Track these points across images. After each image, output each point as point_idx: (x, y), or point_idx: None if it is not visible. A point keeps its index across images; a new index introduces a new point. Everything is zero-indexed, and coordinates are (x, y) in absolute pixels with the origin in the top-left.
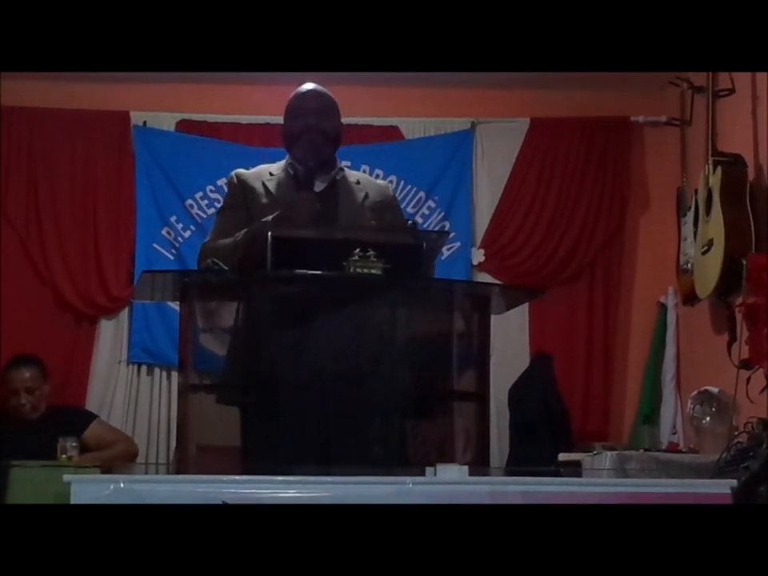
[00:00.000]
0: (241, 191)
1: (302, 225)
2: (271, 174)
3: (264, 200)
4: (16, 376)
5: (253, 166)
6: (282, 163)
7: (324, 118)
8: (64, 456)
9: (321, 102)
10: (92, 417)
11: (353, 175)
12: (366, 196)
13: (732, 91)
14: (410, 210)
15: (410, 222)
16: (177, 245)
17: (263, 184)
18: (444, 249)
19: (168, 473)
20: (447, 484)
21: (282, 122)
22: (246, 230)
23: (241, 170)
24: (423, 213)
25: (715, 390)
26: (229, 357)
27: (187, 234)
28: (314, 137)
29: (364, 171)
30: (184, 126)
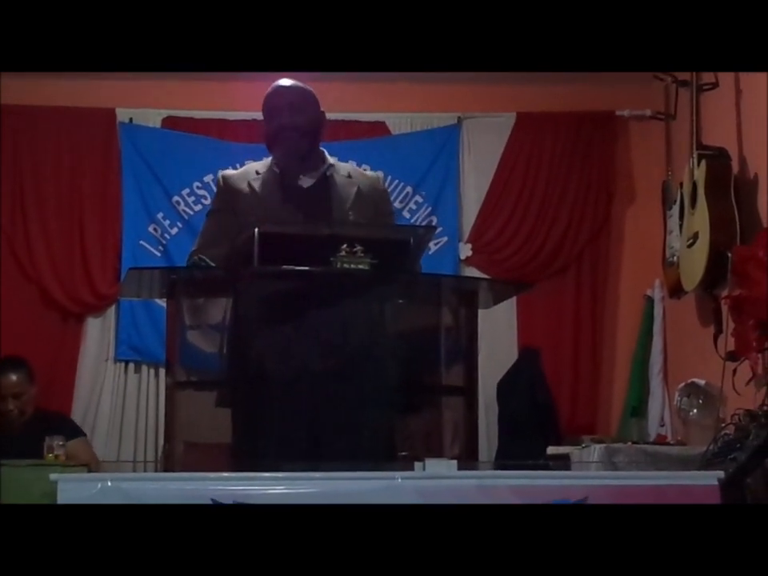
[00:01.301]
0: (227, 194)
1: (289, 221)
2: (257, 173)
3: (250, 200)
4: (3, 382)
5: (239, 162)
6: (269, 160)
7: (296, 113)
8: (51, 455)
9: (292, 98)
10: (79, 433)
11: (344, 168)
12: (358, 190)
13: (716, 85)
14: (397, 204)
15: None
16: (164, 242)
17: (249, 184)
18: (431, 243)
19: (156, 470)
20: (436, 478)
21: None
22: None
23: (228, 172)
24: (410, 207)
25: (702, 382)
26: (221, 355)
27: (174, 230)
28: (289, 135)
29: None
30: (170, 122)
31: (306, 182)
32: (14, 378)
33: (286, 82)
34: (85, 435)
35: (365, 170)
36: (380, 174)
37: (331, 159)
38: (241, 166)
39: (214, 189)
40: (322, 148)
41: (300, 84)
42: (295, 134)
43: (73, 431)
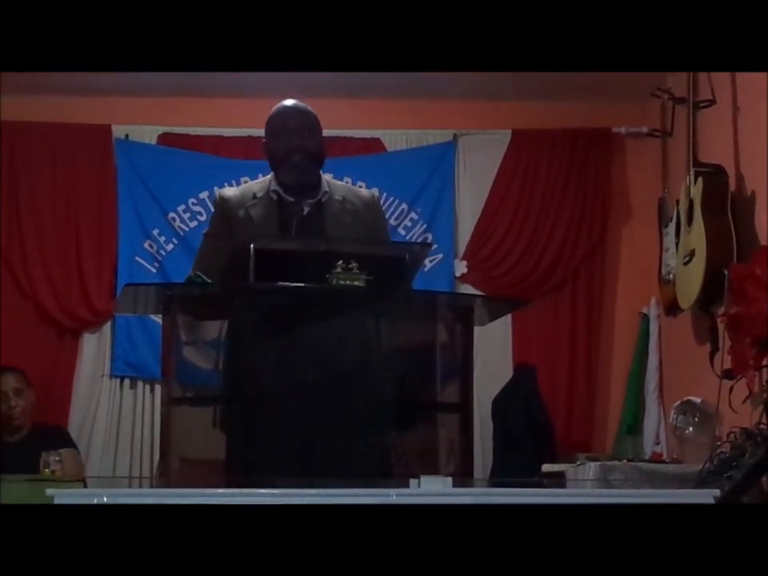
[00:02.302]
0: (225, 219)
1: (284, 238)
2: (255, 197)
3: (247, 228)
4: (2, 380)
5: (235, 179)
6: (267, 182)
7: (309, 137)
8: (47, 470)
9: (305, 121)
10: (69, 444)
11: (338, 192)
12: (353, 215)
13: (713, 102)
14: (392, 221)
15: None
16: (159, 258)
17: (246, 211)
18: (427, 260)
19: (151, 486)
20: (431, 496)
21: (265, 139)
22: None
23: (226, 193)
24: (406, 225)
25: (698, 400)
26: (216, 371)
27: (170, 247)
28: (299, 159)
29: (346, 183)
30: (166, 139)
31: (303, 209)
32: (12, 377)
33: (295, 103)
34: (75, 448)
35: (360, 187)
36: (375, 192)
37: (326, 185)
38: (236, 183)
39: (210, 205)
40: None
41: (308, 108)
42: (306, 159)
43: (63, 442)
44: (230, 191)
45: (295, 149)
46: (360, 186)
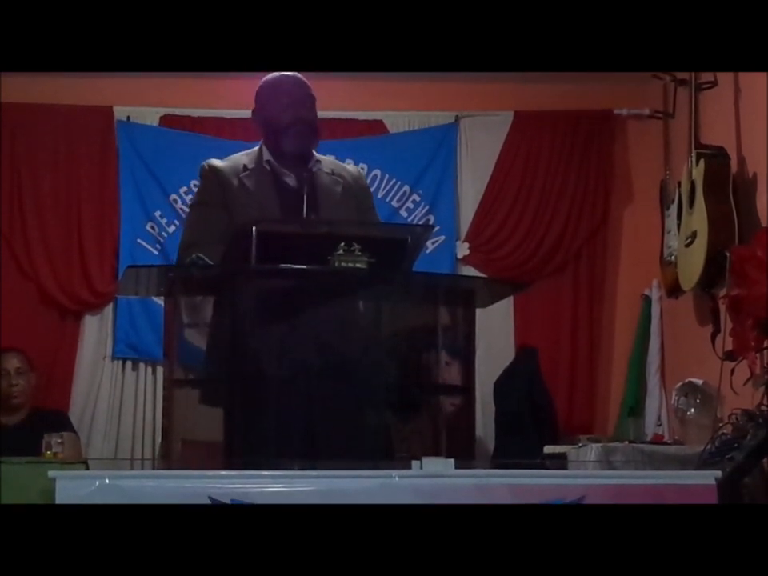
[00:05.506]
0: (217, 186)
1: (287, 220)
2: (246, 168)
3: (242, 197)
4: (4, 359)
5: None
6: (255, 154)
7: (311, 108)
8: (49, 452)
9: (307, 92)
10: (68, 428)
11: (326, 164)
12: (342, 186)
13: (715, 84)
14: (394, 203)
15: None
16: (161, 240)
17: (240, 180)
18: (429, 242)
19: (153, 468)
20: (433, 477)
21: (260, 106)
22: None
23: (215, 163)
24: (408, 206)
25: (699, 381)
26: (211, 352)
27: (171, 228)
28: (304, 129)
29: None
30: (168, 120)
31: (296, 179)
32: (15, 357)
33: (298, 74)
34: (74, 433)
35: (348, 164)
36: (361, 169)
37: (317, 156)
38: None
39: (200, 179)
40: None
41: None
42: (309, 130)
43: (62, 427)
44: (217, 161)
45: (302, 118)
46: (362, 169)
